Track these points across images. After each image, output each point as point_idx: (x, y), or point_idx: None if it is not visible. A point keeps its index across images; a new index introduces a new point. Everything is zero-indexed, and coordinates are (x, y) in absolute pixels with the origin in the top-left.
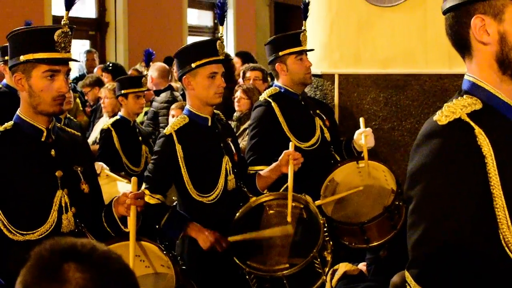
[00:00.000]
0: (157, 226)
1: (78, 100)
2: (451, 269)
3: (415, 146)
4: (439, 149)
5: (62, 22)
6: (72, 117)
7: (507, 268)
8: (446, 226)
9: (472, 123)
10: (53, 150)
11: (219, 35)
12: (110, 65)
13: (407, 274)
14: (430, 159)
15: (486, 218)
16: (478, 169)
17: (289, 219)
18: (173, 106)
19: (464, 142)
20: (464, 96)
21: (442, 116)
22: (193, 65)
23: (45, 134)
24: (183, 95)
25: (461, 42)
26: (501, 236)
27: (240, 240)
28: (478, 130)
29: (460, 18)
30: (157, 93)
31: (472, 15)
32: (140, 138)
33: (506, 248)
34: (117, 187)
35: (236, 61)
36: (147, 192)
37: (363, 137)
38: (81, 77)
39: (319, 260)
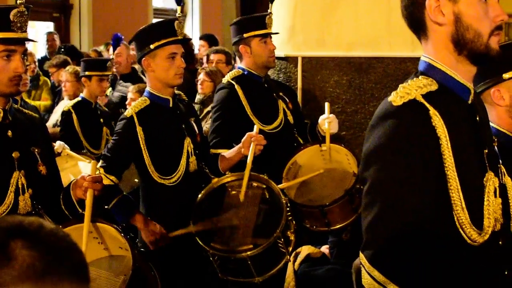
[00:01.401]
0: (106, 207)
1: (48, 81)
2: (405, 250)
3: (370, 127)
4: (393, 130)
5: (18, 2)
6: (28, 100)
7: (461, 249)
8: (400, 207)
9: (427, 104)
10: (10, 131)
11: (177, 15)
12: (62, 48)
13: (361, 255)
14: (384, 140)
15: (441, 199)
16: (432, 150)
17: (241, 198)
18: (130, 88)
19: (418, 123)
20: (420, 77)
21: (397, 97)
22: (151, 46)
23: (1, 115)
24: None
25: (417, 23)
26: (455, 218)
27: (200, 230)
28: (432, 111)
29: None
30: (123, 77)
31: None
32: (101, 120)
33: (460, 229)
34: (78, 167)
35: (202, 44)
36: (101, 170)
37: (327, 123)
38: (43, 59)
39: (282, 239)
